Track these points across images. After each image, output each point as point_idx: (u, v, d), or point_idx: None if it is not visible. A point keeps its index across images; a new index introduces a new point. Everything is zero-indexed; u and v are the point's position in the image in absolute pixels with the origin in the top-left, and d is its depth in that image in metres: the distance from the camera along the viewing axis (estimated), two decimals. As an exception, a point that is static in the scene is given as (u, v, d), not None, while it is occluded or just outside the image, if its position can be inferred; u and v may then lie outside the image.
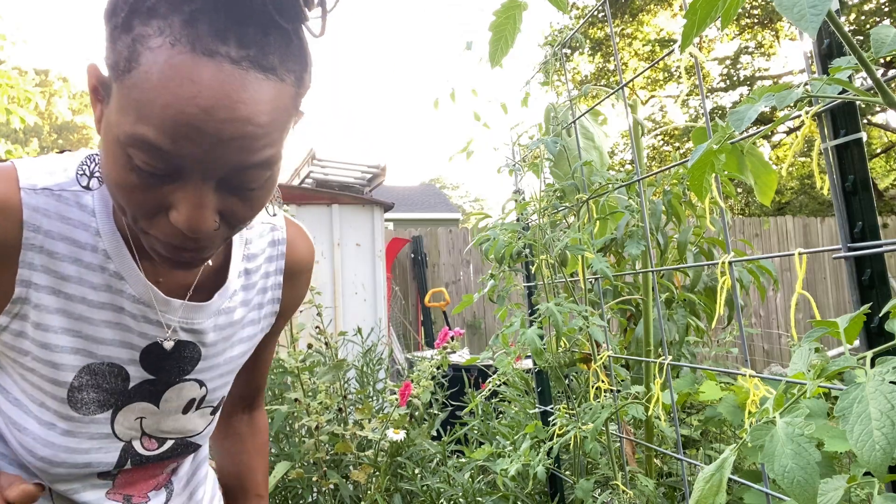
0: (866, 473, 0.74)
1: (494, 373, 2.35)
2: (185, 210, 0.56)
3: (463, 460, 2.33)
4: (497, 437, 2.33)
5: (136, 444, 0.79)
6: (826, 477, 0.73)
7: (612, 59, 12.29)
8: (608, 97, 1.50)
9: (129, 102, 0.53)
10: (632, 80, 1.37)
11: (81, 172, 0.69)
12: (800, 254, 0.86)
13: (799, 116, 0.82)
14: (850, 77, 0.57)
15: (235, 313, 0.83)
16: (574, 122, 1.53)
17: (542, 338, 1.55)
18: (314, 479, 2.28)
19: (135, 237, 0.71)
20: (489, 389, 2.32)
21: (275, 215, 0.88)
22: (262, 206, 0.62)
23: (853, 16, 9.78)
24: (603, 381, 1.43)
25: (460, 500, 2.11)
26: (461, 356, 4.52)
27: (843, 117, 0.83)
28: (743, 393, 1.53)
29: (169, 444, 0.82)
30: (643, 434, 1.66)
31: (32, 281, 0.67)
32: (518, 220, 1.85)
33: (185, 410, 0.82)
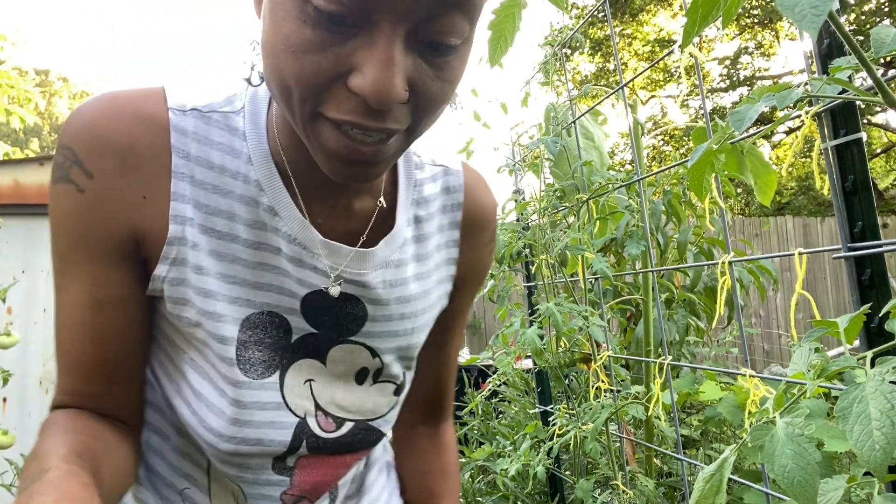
0: (866, 473, 0.74)
1: (494, 373, 2.35)
2: (371, 69, 0.45)
3: (463, 460, 2.33)
4: (497, 437, 2.33)
5: (312, 422, 0.68)
6: (826, 477, 0.73)
7: (612, 59, 12.29)
8: (608, 97, 1.50)
9: None
10: (632, 80, 1.37)
11: (243, 62, 0.60)
12: (800, 254, 0.86)
13: (799, 116, 0.82)
14: (850, 77, 0.57)
15: (408, 268, 0.70)
16: (574, 122, 1.53)
17: (542, 338, 1.55)
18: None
19: (294, 160, 0.61)
20: (489, 389, 2.32)
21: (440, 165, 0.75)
22: (451, 90, 0.52)
23: (853, 16, 9.79)
24: (603, 381, 1.43)
25: (460, 499, 2.11)
26: (461, 356, 4.53)
27: (843, 117, 0.83)
28: (743, 393, 1.53)
29: (348, 426, 0.71)
30: (643, 434, 1.66)
31: (187, 216, 0.58)
32: (518, 219, 1.85)
33: (360, 380, 0.71)
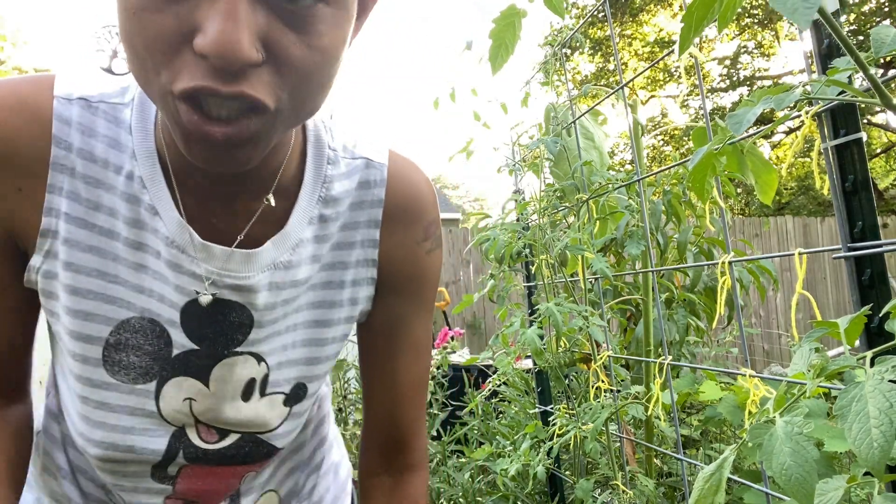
0: (866, 473, 0.74)
1: (494, 373, 2.35)
2: (212, 24, 0.41)
3: (463, 460, 2.33)
4: (497, 437, 2.34)
5: (191, 433, 0.64)
6: (826, 477, 0.73)
7: (612, 59, 12.29)
8: (608, 97, 1.50)
9: None
10: (632, 80, 1.37)
11: (99, 49, 0.59)
12: (800, 254, 0.86)
13: (799, 117, 0.82)
14: (849, 78, 0.58)
15: (300, 270, 0.65)
16: (574, 122, 1.54)
17: (542, 338, 1.55)
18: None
19: (175, 155, 0.57)
20: (489, 389, 2.32)
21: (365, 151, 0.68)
22: (324, 61, 0.46)
23: (853, 16, 9.79)
24: (603, 381, 1.43)
25: (460, 499, 2.11)
26: (461, 356, 4.53)
27: (842, 117, 0.84)
28: (743, 393, 1.54)
29: (233, 437, 0.66)
30: (643, 434, 1.66)
31: (61, 210, 0.56)
32: (518, 219, 1.85)
33: (246, 396, 0.65)
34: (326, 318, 0.68)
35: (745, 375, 0.98)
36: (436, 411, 2.61)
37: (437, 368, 2.53)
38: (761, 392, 0.94)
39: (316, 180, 0.65)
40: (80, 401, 0.61)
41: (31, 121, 0.54)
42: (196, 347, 0.62)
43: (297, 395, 0.68)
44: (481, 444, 2.50)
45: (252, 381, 0.65)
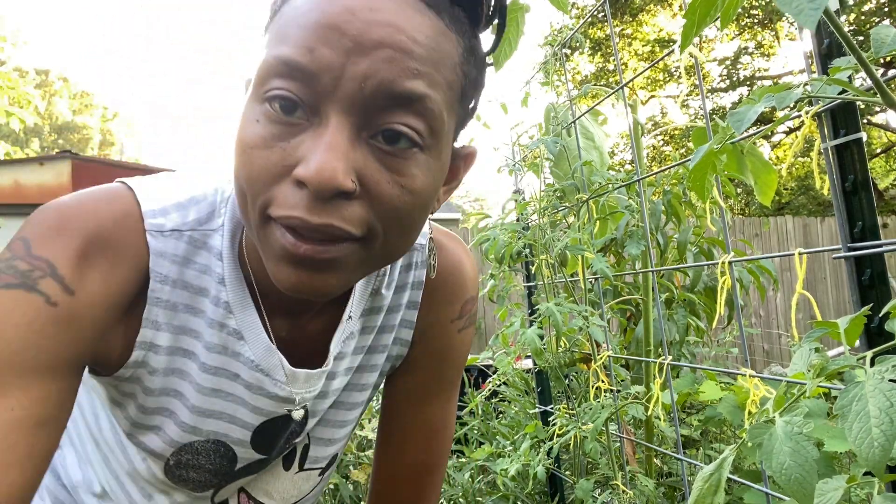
0: (866, 473, 0.74)
1: (494, 373, 2.35)
2: (314, 156, 0.45)
3: (463, 460, 2.33)
4: (497, 437, 2.34)
5: (233, 501, 0.69)
6: (826, 477, 0.73)
7: (611, 59, 12.29)
8: (608, 97, 1.50)
9: (272, 37, 0.48)
10: (632, 80, 1.37)
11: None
12: (800, 254, 0.86)
13: (799, 117, 0.82)
14: (849, 77, 0.58)
15: (346, 360, 0.68)
16: (574, 122, 1.54)
17: (542, 338, 1.55)
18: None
19: (264, 280, 0.58)
20: (489, 389, 2.32)
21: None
22: (413, 200, 0.49)
23: (853, 16, 9.79)
24: (603, 381, 1.43)
25: (460, 499, 2.11)
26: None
27: (843, 117, 0.83)
28: (743, 393, 1.54)
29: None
30: (643, 434, 1.66)
31: (155, 343, 0.56)
32: (518, 220, 1.85)
33: (288, 465, 0.70)
34: (355, 399, 0.71)
35: (745, 375, 0.98)
36: (436, 411, 2.60)
37: (437, 368, 2.53)
38: (761, 392, 0.94)
39: (369, 276, 0.66)
40: (139, 488, 0.64)
41: (133, 255, 0.54)
42: (262, 458, 0.66)
43: (330, 465, 0.73)
44: (481, 443, 2.50)
45: (293, 452, 0.69)
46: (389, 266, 0.68)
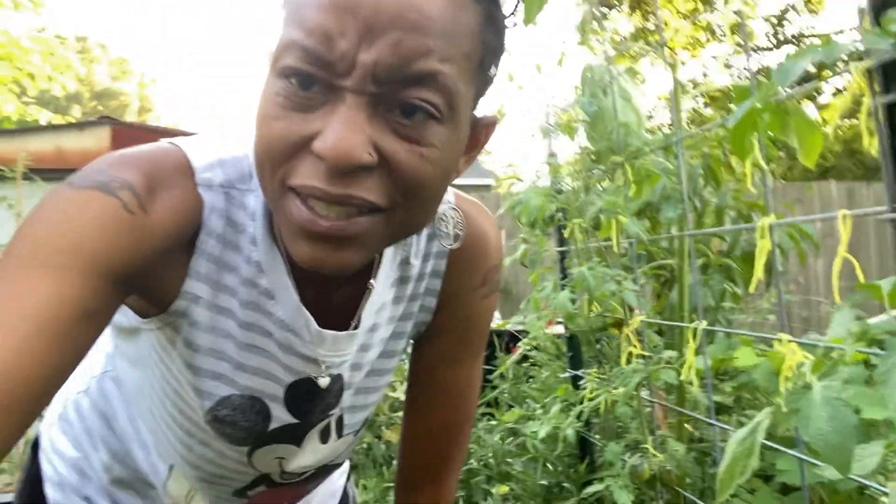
0: (905, 440, 0.72)
1: (525, 337, 2.36)
2: (331, 130, 0.45)
3: (493, 422, 2.36)
4: (527, 400, 2.35)
5: (275, 476, 0.72)
6: (863, 444, 0.72)
7: (651, 17, 11.90)
8: (647, 56, 1.46)
9: (288, 15, 0.48)
10: (672, 38, 1.32)
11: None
12: (844, 216, 0.83)
13: (847, 74, 0.79)
14: (904, 28, 0.55)
15: (380, 331, 0.69)
16: (611, 82, 1.50)
17: (573, 302, 1.55)
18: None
19: (284, 238, 0.57)
20: (520, 353, 2.33)
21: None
22: (433, 171, 0.49)
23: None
24: (635, 346, 1.42)
25: (490, 460, 2.14)
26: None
27: (894, 73, 0.79)
28: (779, 359, 1.51)
29: (311, 471, 0.74)
30: (675, 399, 1.65)
31: (197, 294, 0.58)
32: (551, 183, 1.83)
33: (325, 439, 0.72)
34: (387, 366, 0.73)
35: (781, 341, 0.96)
36: (467, 374, 2.63)
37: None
38: (798, 358, 0.93)
39: (397, 245, 0.67)
40: (184, 434, 0.66)
41: (189, 204, 0.55)
42: (295, 421, 0.67)
43: (363, 427, 0.76)
44: (511, 407, 2.52)
45: (328, 426, 0.71)
46: (416, 235, 0.68)
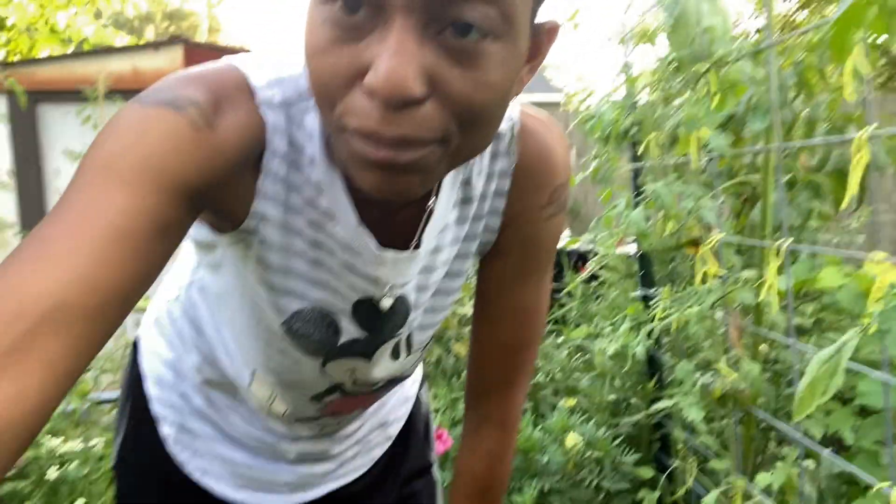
0: None
1: (594, 256, 2.33)
2: (382, 61, 0.43)
3: (560, 339, 2.39)
4: (595, 319, 2.35)
5: (347, 384, 0.74)
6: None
7: (742, -89, 10.82)
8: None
9: None
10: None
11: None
12: (958, 124, 0.76)
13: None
14: None
15: (444, 252, 0.69)
16: (696, -18, 1.38)
17: (647, 219, 1.51)
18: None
19: (343, 165, 0.57)
20: (589, 271, 2.31)
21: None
22: (489, 95, 0.47)
23: None
24: (712, 266, 1.38)
25: (557, 374, 2.18)
26: (560, 239, 4.51)
27: None
28: (868, 280, 1.44)
29: (382, 382, 0.77)
30: (751, 321, 1.61)
31: (266, 214, 0.59)
32: (626, 96, 1.74)
33: (395, 356, 0.74)
34: (453, 286, 0.74)
35: (874, 260, 0.91)
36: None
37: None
38: (892, 278, 0.87)
39: (458, 168, 0.65)
40: (263, 342, 0.70)
41: (253, 122, 0.54)
42: (365, 335, 0.69)
43: (430, 342, 0.78)
44: (578, 325, 2.54)
45: (398, 344, 0.73)
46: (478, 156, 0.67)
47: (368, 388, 0.76)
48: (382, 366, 0.74)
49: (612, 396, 1.96)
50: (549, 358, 2.27)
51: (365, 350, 0.71)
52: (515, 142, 0.67)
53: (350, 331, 0.68)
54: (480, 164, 0.68)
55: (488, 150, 0.67)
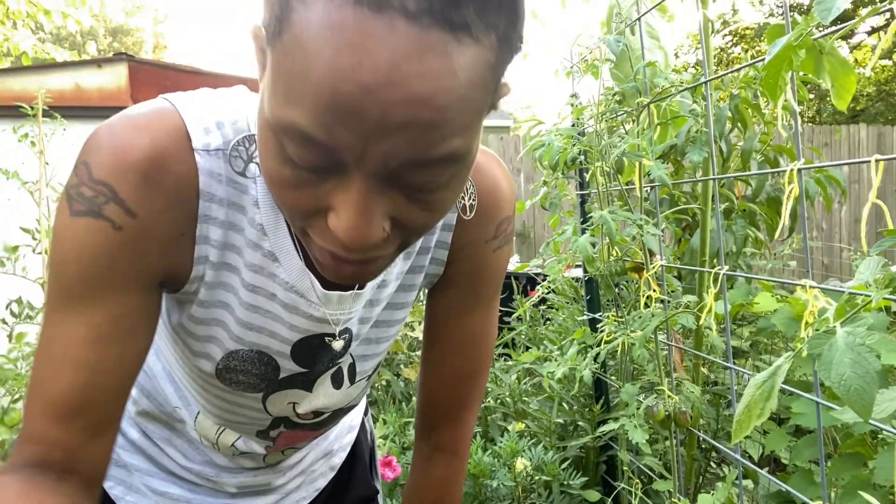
0: (925, 386, 0.73)
1: (543, 280, 2.37)
2: (345, 216, 0.44)
3: (510, 363, 2.40)
4: (544, 342, 2.38)
5: (291, 416, 0.74)
6: (882, 389, 0.72)
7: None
8: (677, -8, 1.40)
9: (279, 77, 0.41)
10: (704, -29, 1.27)
11: (236, 154, 0.57)
12: (877, 161, 0.81)
13: (888, 12, 0.75)
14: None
15: (390, 286, 0.70)
16: (639, 18, 1.45)
17: (594, 245, 1.54)
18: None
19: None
20: (538, 296, 2.34)
21: None
22: (447, 209, 0.49)
23: None
24: (654, 291, 1.42)
25: (507, 398, 2.19)
26: (510, 263, 4.56)
27: (942, 10, 0.76)
28: (801, 305, 1.51)
29: (325, 415, 0.77)
30: (692, 343, 1.66)
31: (209, 258, 0.59)
32: (573, 125, 1.79)
33: (337, 385, 0.73)
34: (396, 317, 0.74)
35: (804, 286, 0.95)
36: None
37: (487, 274, 2.57)
38: (820, 304, 0.92)
39: None
40: (199, 386, 0.71)
41: (186, 174, 0.55)
42: (304, 370, 0.69)
43: (375, 371, 0.78)
44: (528, 348, 2.56)
45: (340, 370, 0.72)
46: None
47: (313, 419, 0.76)
48: (324, 394, 0.73)
49: (561, 419, 1.98)
50: (499, 382, 2.28)
51: (305, 381, 0.71)
52: (470, 195, 0.68)
53: (289, 368, 0.68)
54: None
55: None
